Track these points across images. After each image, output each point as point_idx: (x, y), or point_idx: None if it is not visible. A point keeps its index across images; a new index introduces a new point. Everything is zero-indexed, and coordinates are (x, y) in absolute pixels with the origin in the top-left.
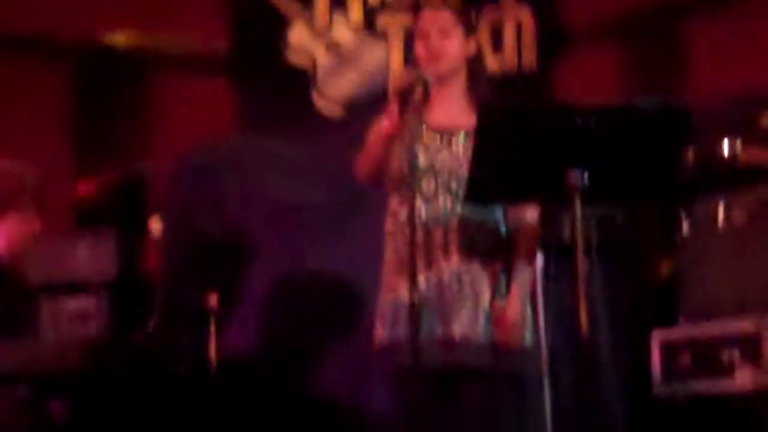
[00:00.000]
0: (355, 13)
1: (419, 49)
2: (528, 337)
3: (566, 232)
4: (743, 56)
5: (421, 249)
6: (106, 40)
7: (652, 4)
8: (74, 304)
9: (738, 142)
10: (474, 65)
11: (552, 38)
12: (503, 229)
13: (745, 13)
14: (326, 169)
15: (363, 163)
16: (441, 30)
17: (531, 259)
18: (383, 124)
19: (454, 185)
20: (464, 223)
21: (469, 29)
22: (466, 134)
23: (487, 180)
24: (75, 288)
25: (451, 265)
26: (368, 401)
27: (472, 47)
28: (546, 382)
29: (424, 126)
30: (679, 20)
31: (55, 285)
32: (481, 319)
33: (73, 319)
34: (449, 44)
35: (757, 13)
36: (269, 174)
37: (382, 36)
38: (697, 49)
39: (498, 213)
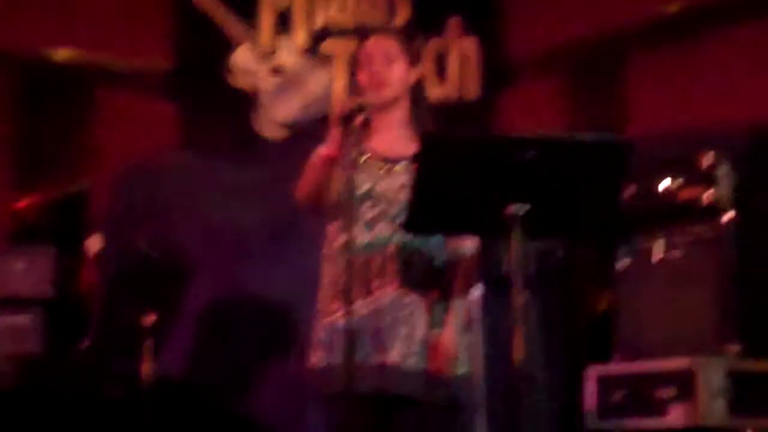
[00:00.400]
0: (301, 37)
1: (362, 75)
2: (463, 367)
3: (504, 264)
4: (684, 94)
5: (358, 275)
6: (49, 55)
7: (595, 38)
8: (9, 320)
9: (678, 180)
10: (417, 94)
11: (496, 69)
12: (442, 258)
13: (688, 50)
14: (266, 191)
15: (302, 188)
16: (385, 57)
17: (468, 290)
18: (323, 148)
19: (393, 212)
20: (402, 251)
21: (414, 58)
22: (407, 162)
23: (427, 210)
24: (11, 304)
25: (388, 292)
26: (301, 424)
27: (415, 75)
28: (481, 412)
29: (365, 153)
30: (622, 55)
31: None
32: (416, 347)
33: (7, 336)
34: (393, 71)
35: (700, 51)
36: (209, 194)
37: (327, 61)
38: (639, 85)
39: (437, 242)
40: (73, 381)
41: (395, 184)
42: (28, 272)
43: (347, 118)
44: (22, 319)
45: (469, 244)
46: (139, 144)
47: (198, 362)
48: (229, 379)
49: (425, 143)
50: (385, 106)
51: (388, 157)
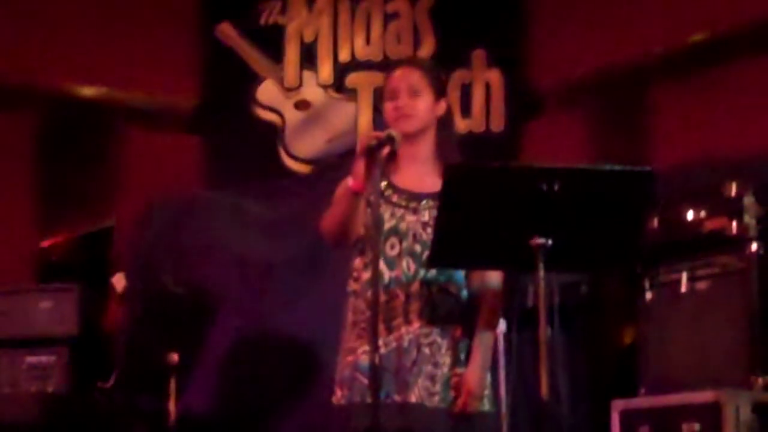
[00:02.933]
0: (326, 71)
1: (388, 108)
2: (487, 403)
3: (529, 298)
4: (709, 124)
5: (382, 312)
6: (75, 92)
7: (620, 68)
8: (35, 359)
9: (702, 210)
10: (444, 126)
11: (521, 101)
12: (465, 293)
13: (713, 80)
14: (292, 225)
15: (328, 222)
16: (411, 89)
17: (493, 325)
18: (348, 182)
19: (417, 249)
20: (426, 288)
21: (440, 90)
22: (433, 198)
23: (451, 244)
24: (36, 343)
25: (411, 330)
26: None
27: (442, 108)
28: None
29: (390, 187)
30: (646, 87)
31: (15, 339)
32: (439, 386)
33: (33, 374)
34: (418, 104)
35: (724, 80)
36: (234, 230)
37: (352, 94)
38: (664, 116)
39: (460, 277)
40: (99, 419)
41: (420, 221)
42: (53, 311)
43: (373, 151)
44: (47, 358)
45: (494, 278)
46: (164, 180)
47: (222, 398)
48: (253, 416)
49: (449, 175)
50: (411, 139)
51: (413, 193)
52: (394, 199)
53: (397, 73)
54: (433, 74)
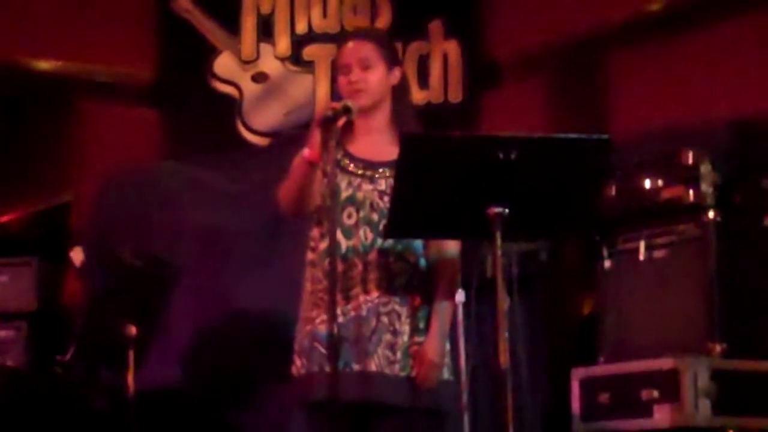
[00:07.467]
0: (283, 43)
1: (342, 82)
2: (446, 371)
3: (488, 268)
4: (666, 92)
5: (339, 282)
6: (30, 65)
7: (577, 38)
8: None
9: (660, 179)
10: (399, 95)
11: (479, 72)
12: (423, 262)
13: (670, 49)
14: (250, 197)
15: (284, 192)
16: (362, 62)
17: (451, 293)
18: (304, 152)
19: (375, 218)
20: (384, 257)
21: (392, 59)
22: (389, 167)
23: (409, 214)
24: None
25: (370, 299)
26: None
27: (396, 77)
28: (465, 417)
29: (347, 156)
30: (603, 56)
31: None
32: (399, 355)
33: None
34: (371, 77)
35: (681, 49)
36: (193, 201)
37: (309, 66)
38: (621, 85)
39: (419, 246)
40: (58, 393)
41: (376, 190)
42: (10, 285)
43: (329, 122)
44: (5, 332)
45: (451, 246)
46: (122, 153)
47: (181, 371)
48: (212, 388)
49: (405, 144)
50: (366, 111)
51: (370, 162)
52: (351, 168)
53: (348, 47)
54: (384, 44)
